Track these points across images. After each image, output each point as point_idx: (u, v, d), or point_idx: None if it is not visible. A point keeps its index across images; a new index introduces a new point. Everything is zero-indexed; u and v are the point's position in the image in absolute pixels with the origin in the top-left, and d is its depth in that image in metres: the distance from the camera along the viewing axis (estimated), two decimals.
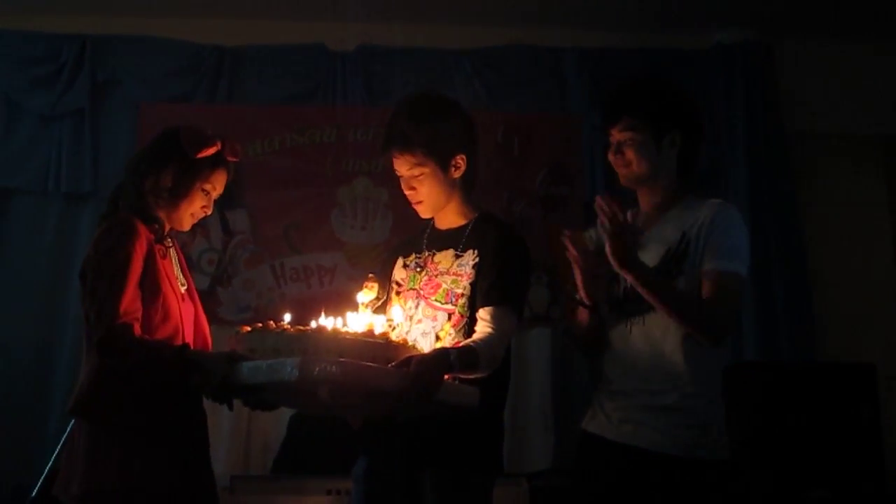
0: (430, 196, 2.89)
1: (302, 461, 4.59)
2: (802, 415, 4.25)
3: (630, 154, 2.83)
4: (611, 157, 2.90)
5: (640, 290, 2.69)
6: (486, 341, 2.68)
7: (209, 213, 2.88)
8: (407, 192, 2.93)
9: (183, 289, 2.83)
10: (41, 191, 5.26)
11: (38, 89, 5.30)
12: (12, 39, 5.35)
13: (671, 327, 2.72)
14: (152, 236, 2.72)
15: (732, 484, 2.83)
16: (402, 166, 2.88)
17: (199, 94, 5.38)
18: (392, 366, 2.47)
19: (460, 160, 2.88)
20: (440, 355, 2.58)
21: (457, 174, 2.89)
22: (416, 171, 2.86)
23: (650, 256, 2.78)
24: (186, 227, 2.87)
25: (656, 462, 2.68)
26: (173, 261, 2.85)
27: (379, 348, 2.49)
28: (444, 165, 2.86)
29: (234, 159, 2.85)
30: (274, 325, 2.55)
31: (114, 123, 5.32)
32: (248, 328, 2.61)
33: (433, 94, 3.04)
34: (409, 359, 2.48)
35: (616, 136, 2.86)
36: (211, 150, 2.78)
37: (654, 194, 2.88)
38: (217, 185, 2.84)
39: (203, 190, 2.81)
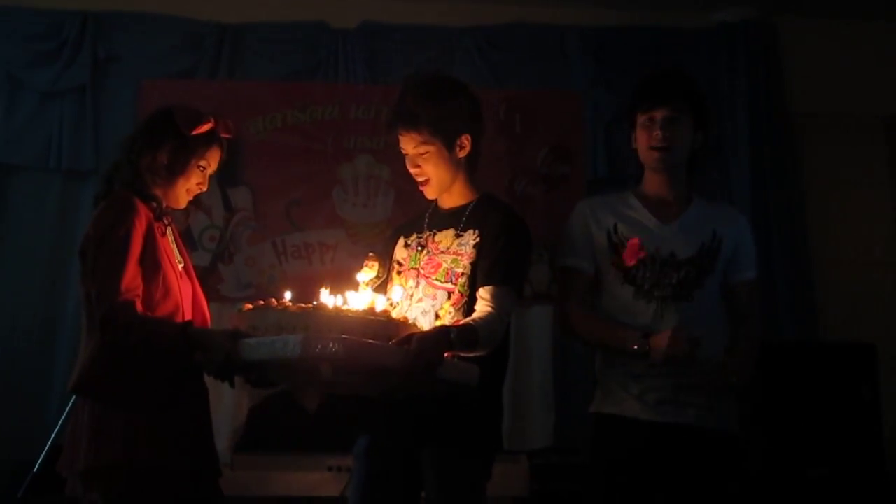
0: (435, 175, 2.90)
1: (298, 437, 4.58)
2: (803, 393, 4.26)
3: (676, 134, 2.95)
4: (644, 134, 2.99)
5: None
6: (486, 320, 2.70)
7: (205, 189, 2.92)
8: (412, 171, 2.94)
9: (181, 266, 2.84)
10: (42, 168, 5.23)
11: (39, 66, 5.27)
12: (14, 16, 5.30)
13: (703, 316, 2.89)
14: (151, 214, 2.74)
15: (741, 457, 3.01)
16: (409, 144, 2.89)
17: (200, 70, 5.36)
18: (393, 343, 2.48)
19: (465, 140, 2.90)
20: (441, 333, 2.60)
21: (462, 154, 2.91)
22: (422, 150, 2.87)
23: (686, 246, 2.95)
24: (182, 203, 2.90)
25: (675, 435, 2.84)
26: (171, 239, 2.86)
27: (380, 326, 2.51)
28: (449, 145, 2.87)
29: (228, 136, 2.90)
30: (276, 303, 2.56)
31: (115, 100, 5.29)
32: (251, 306, 2.62)
33: (442, 75, 3.07)
34: (411, 336, 2.50)
35: (661, 114, 2.94)
36: (205, 127, 2.82)
37: (674, 183, 3.02)
38: (212, 161, 2.89)
39: (199, 167, 2.85)
